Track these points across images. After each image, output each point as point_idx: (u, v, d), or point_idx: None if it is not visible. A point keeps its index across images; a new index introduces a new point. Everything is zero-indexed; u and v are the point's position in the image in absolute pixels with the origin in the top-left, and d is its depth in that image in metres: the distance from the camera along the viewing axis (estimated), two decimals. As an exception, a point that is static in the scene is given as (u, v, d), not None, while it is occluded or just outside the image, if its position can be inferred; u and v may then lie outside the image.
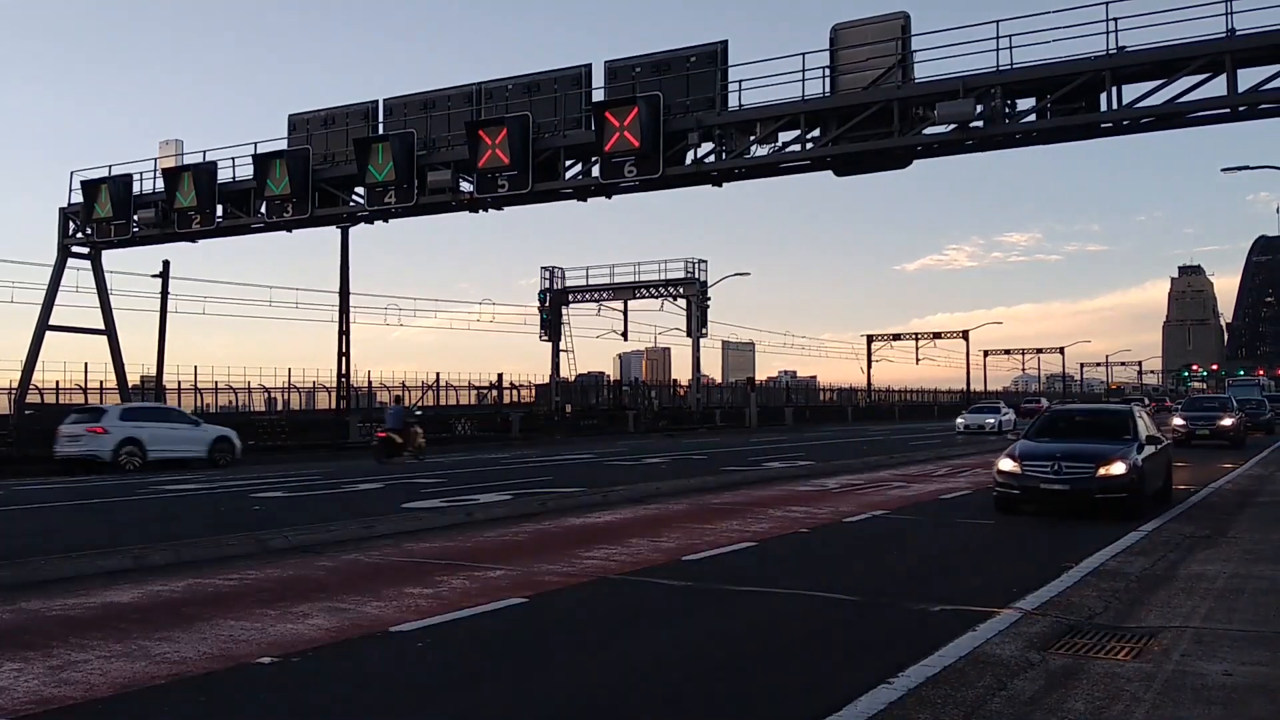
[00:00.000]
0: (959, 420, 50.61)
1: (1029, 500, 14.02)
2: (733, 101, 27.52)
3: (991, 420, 47.76)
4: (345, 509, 15.22)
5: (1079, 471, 13.47)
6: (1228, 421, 32.77)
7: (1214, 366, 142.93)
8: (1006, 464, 14.21)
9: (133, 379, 41.64)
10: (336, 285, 38.17)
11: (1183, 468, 21.13)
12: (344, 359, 38.04)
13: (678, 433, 50.14)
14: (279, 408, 52.38)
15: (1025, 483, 13.84)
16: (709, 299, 57.59)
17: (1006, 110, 25.02)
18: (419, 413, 33.65)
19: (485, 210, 31.62)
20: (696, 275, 57.20)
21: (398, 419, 28.34)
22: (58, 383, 44.45)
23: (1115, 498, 13.37)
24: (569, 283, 60.15)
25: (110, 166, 36.07)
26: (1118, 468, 13.38)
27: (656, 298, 59.26)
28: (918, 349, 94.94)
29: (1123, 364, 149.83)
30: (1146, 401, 73.67)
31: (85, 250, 37.72)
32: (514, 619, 7.94)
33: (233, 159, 34.36)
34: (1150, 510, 13.85)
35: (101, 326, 38.63)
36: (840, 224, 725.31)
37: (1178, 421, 33.33)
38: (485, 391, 59.91)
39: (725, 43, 27.73)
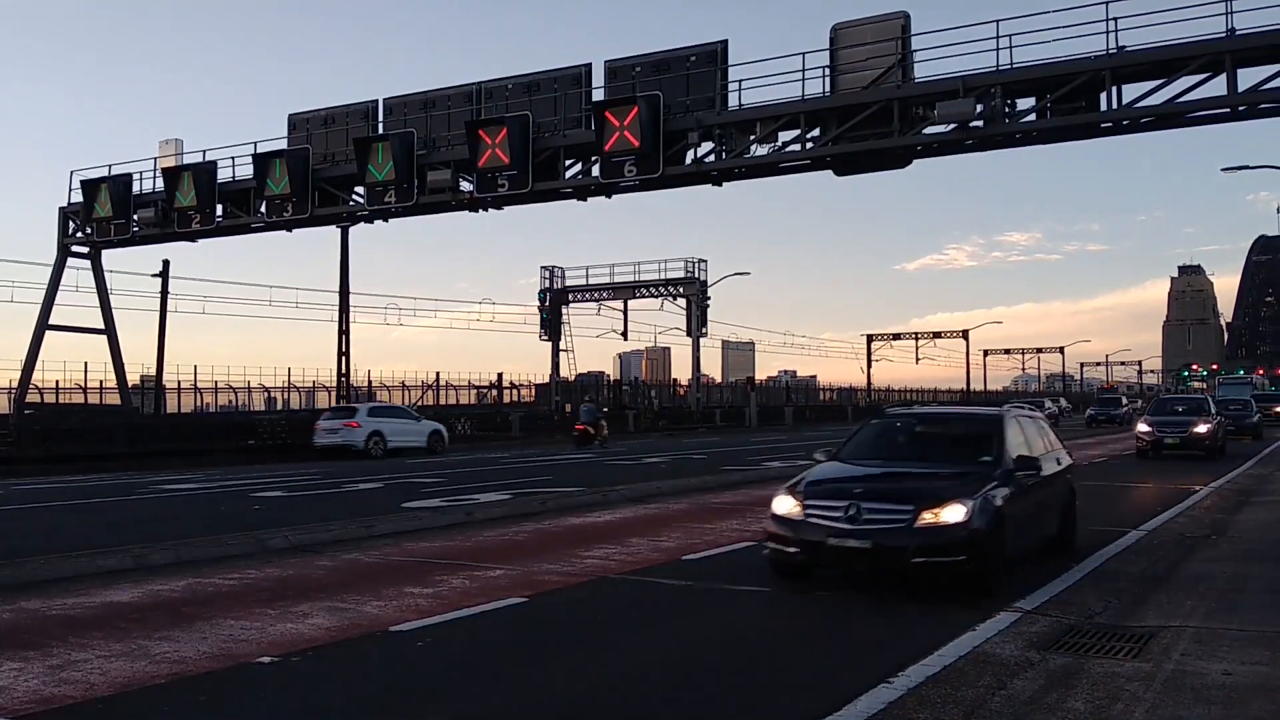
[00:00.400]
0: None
1: (817, 563, 8.79)
2: (733, 101, 27.55)
3: None
4: (345, 508, 15.22)
5: (888, 519, 8.26)
6: (1202, 428, 26.77)
7: (1214, 366, 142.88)
8: (783, 503, 8.84)
9: (132, 378, 41.71)
10: (336, 285, 38.22)
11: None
12: (344, 358, 38.06)
13: (678, 432, 50.12)
14: (279, 407, 52.42)
15: (806, 534, 8.51)
16: (709, 299, 57.59)
17: (1006, 110, 25.05)
18: (605, 409, 45.27)
19: (485, 210, 31.65)
20: (696, 275, 57.19)
21: (591, 415, 36.34)
22: (58, 382, 44.50)
23: (945, 563, 8.13)
24: (569, 282, 60.14)
25: (110, 166, 36.21)
26: (951, 513, 8.14)
27: (656, 297, 59.27)
28: (918, 349, 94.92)
29: (1122, 363, 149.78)
30: (1124, 401, 63.99)
31: (85, 250, 37.77)
32: (514, 618, 7.94)
33: (233, 159, 34.49)
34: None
35: (101, 326, 38.69)
36: (840, 224, 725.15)
37: (1142, 428, 27.86)
38: (485, 391, 59.95)
39: (725, 42, 27.76)
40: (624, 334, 62.41)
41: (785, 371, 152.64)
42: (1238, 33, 22.61)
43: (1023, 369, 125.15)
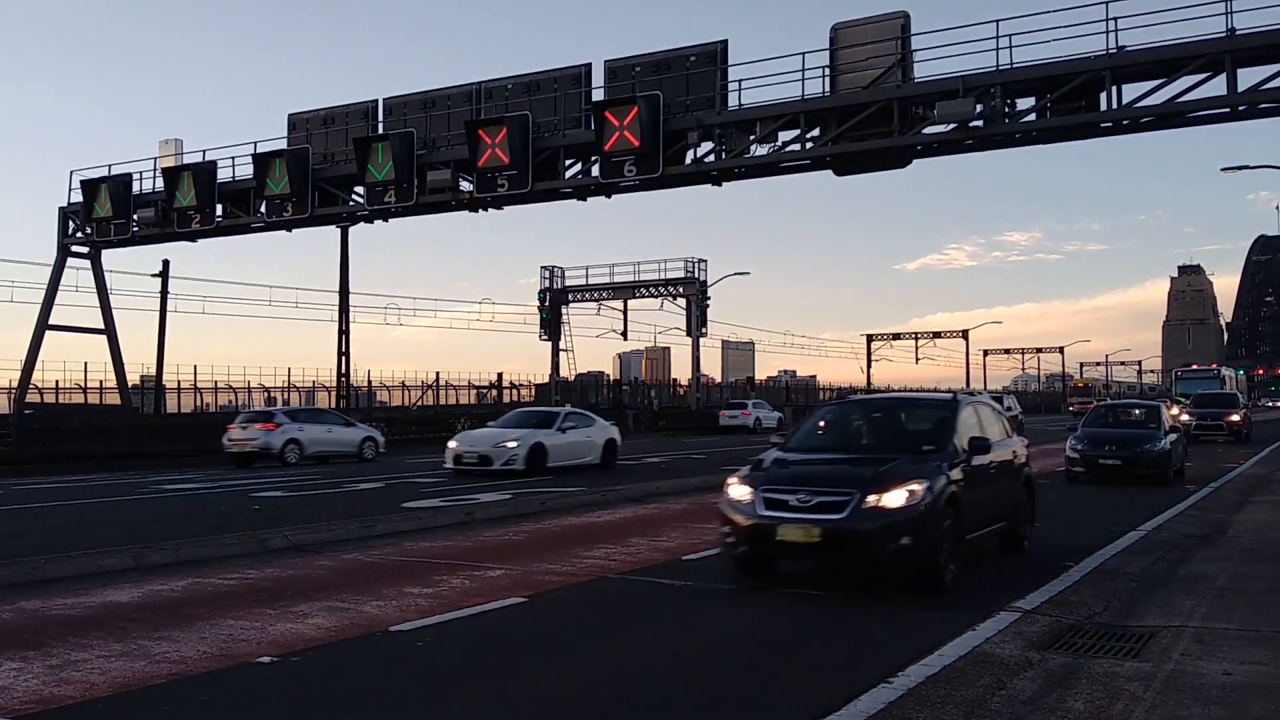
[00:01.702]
0: (450, 444, 23.57)
1: None
2: (733, 101, 27.51)
3: (514, 443, 22.28)
4: (345, 508, 15.22)
5: None
6: (897, 498, 8.30)
7: (1214, 365, 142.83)
8: None
9: (133, 378, 41.67)
10: (336, 285, 38.24)
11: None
12: (344, 358, 38.08)
13: (678, 432, 50.11)
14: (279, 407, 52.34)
15: None
16: (709, 298, 57.53)
17: (1006, 110, 25.02)
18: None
19: (485, 210, 31.62)
20: (696, 275, 57.14)
21: None
22: (58, 382, 44.47)
23: None
24: (569, 282, 60.12)
25: (110, 166, 36.10)
26: None
27: (656, 297, 59.19)
28: (917, 348, 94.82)
29: (1122, 363, 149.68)
30: (1003, 403, 37.85)
31: (85, 250, 37.71)
32: (514, 618, 7.94)
33: (232, 158, 34.37)
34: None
35: (101, 326, 38.65)
36: (840, 224, 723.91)
37: (736, 494, 8.97)
38: (485, 391, 59.90)
39: (725, 42, 27.73)
40: (624, 334, 62.42)
41: (785, 371, 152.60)
42: (1238, 33, 22.58)
43: (1022, 369, 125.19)
